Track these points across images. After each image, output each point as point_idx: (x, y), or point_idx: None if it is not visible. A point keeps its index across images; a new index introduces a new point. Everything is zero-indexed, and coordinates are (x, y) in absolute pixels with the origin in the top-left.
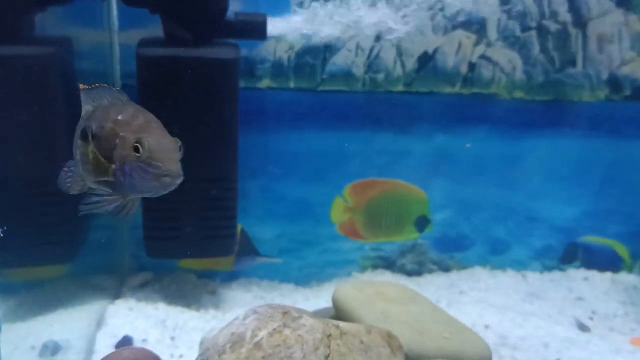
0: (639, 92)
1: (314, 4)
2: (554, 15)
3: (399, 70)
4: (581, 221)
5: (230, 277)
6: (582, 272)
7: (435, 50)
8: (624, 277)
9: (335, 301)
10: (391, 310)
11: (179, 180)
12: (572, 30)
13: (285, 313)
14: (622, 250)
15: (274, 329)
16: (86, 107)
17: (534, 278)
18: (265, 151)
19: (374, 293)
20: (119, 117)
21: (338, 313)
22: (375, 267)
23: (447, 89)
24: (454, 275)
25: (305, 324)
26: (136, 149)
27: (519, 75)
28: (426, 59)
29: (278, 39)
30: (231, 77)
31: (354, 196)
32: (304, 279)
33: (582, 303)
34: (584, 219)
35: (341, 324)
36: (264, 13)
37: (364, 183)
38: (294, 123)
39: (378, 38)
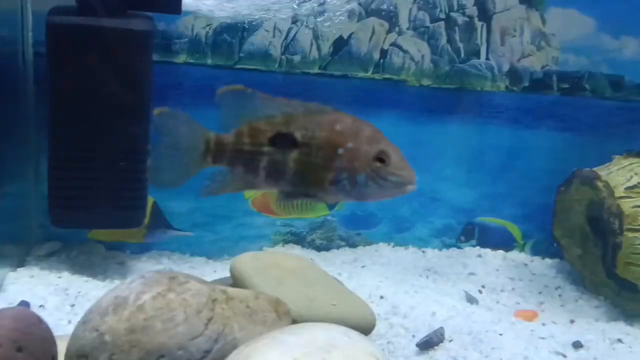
0: (537, 84)
1: None
2: (461, 8)
3: (314, 53)
4: (479, 203)
5: (141, 249)
6: (477, 250)
7: (350, 36)
8: (515, 255)
9: (232, 269)
10: (286, 279)
11: (416, 187)
12: (478, 23)
13: (172, 278)
14: (515, 231)
15: (159, 293)
16: (265, 113)
17: (433, 254)
18: None
19: (271, 262)
20: (337, 127)
21: (235, 281)
22: (286, 242)
23: (361, 73)
24: (359, 251)
25: (191, 289)
26: (381, 160)
27: (427, 63)
28: (341, 44)
29: (196, 14)
30: (143, 49)
31: None
32: (216, 252)
33: (474, 278)
34: (482, 200)
35: (229, 289)
36: None
37: None
38: (211, 99)
39: (295, 20)
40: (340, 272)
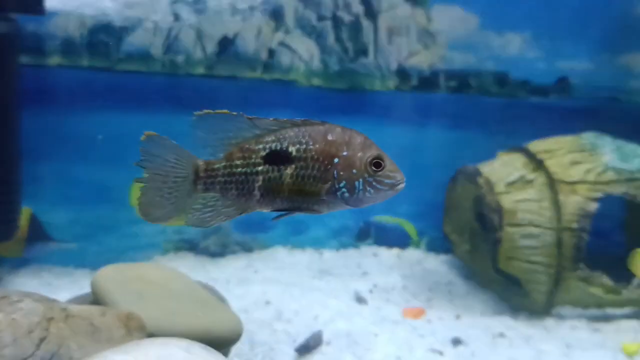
0: (425, 82)
1: None
2: (347, 6)
3: (199, 53)
4: None
5: (20, 263)
6: (373, 249)
7: (236, 35)
8: (410, 252)
9: (92, 284)
10: (148, 291)
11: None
12: (364, 22)
13: (2, 297)
14: (410, 228)
15: None
16: (250, 134)
17: (330, 255)
18: (58, 132)
19: (134, 275)
20: (330, 138)
21: (94, 296)
22: (177, 249)
23: (249, 74)
24: (255, 255)
25: (23, 308)
26: (377, 165)
27: (316, 63)
28: (227, 43)
29: (68, 14)
30: (4, 53)
31: None
32: (102, 264)
33: (367, 277)
34: None
35: (72, 307)
36: None
37: None
38: (89, 103)
39: (177, 18)
40: (230, 279)
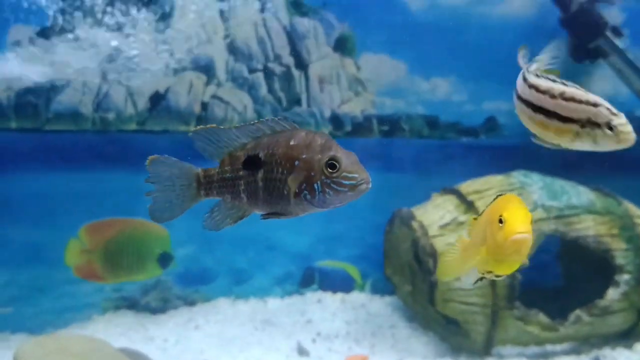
0: (359, 127)
1: (34, 43)
2: (278, 58)
3: (130, 110)
4: (316, 247)
5: None
6: (318, 295)
7: (167, 90)
8: (354, 296)
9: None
10: None
11: (370, 185)
12: (296, 72)
13: None
14: (354, 271)
15: None
16: (241, 141)
17: (274, 303)
18: None
19: (55, 348)
20: (292, 142)
21: None
22: (117, 307)
23: (182, 127)
24: (197, 309)
25: None
26: (332, 166)
27: (250, 113)
28: (158, 98)
29: None
30: None
31: (91, 237)
32: (39, 326)
33: (310, 325)
34: (318, 244)
35: None
36: None
37: (101, 223)
38: (18, 165)
39: (105, 77)
40: (169, 338)
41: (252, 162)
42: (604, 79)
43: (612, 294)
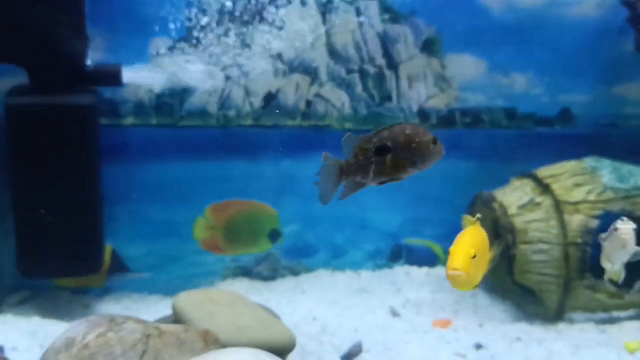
0: (443, 120)
1: (172, 54)
2: (372, 60)
3: (247, 108)
4: (404, 227)
5: (104, 292)
6: (405, 269)
7: (278, 91)
8: (438, 270)
9: (173, 307)
10: (218, 312)
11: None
12: (387, 72)
13: (111, 320)
14: (438, 249)
15: (100, 333)
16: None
17: (367, 276)
18: (132, 180)
19: (205, 299)
20: (407, 132)
21: (175, 317)
22: (235, 275)
23: (290, 123)
24: (301, 278)
25: (127, 328)
26: (434, 142)
27: (347, 109)
28: (270, 98)
29: (139, 83)
30: (89, 119)
31: (214, 215)
32: (172, 290)
33: (401, 294)
34: (406, 225)
35: (163, 326)
36: (118, 64)
37: (223, 204)
38: (157, 155)
39: (227, 81)
40: (281, 300)
41: (383, 150)
42: None
43: None
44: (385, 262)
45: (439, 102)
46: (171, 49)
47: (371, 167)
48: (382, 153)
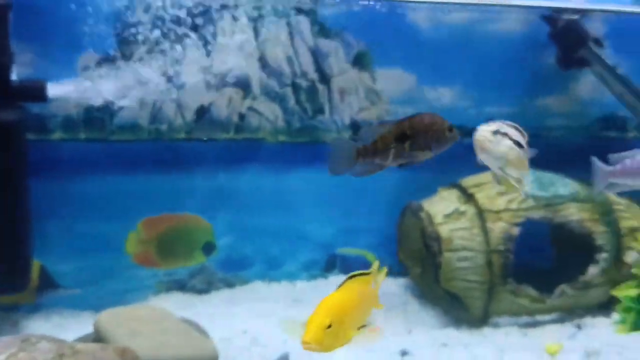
0: None
1: (100, 68)
2: (304, 74)
3: (179, 121)
4: (338, 237)
5: (34, 309)
6: (340, 278)
7: (210, 104)
8: None
9: (94, 326)
10: (140, 329)
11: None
12: (319, 86)
13: (24, 340)
14: (371, 258)
15: (11, 353)
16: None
17: (302, 286)
18: (63, 195)
19: (128, 316)
20: (425, 120)
21: (96, 335)
22: (168, 289)
23: (223, 136)
24: (236, 290)
25: (41, 347)
26: (450, 130)
27: (280, 122)
28: (203, 111)
29: (66, 98)
30: (14, 135)
31: (147, 229)
32: (104, 306)
33: None
34: (340, 235)
35: (78, 345)
36: (43, 79)
37: (155, 218)
38: (88, 169)
39: (160, 93)
40: (214, 313)
41: (402, 136)
42: (590, 84)
43: (593, 270)
44: (320, 272)
45: (370, 115)
46: (100, 63)
47: (390, 151)
48: (401, 140)
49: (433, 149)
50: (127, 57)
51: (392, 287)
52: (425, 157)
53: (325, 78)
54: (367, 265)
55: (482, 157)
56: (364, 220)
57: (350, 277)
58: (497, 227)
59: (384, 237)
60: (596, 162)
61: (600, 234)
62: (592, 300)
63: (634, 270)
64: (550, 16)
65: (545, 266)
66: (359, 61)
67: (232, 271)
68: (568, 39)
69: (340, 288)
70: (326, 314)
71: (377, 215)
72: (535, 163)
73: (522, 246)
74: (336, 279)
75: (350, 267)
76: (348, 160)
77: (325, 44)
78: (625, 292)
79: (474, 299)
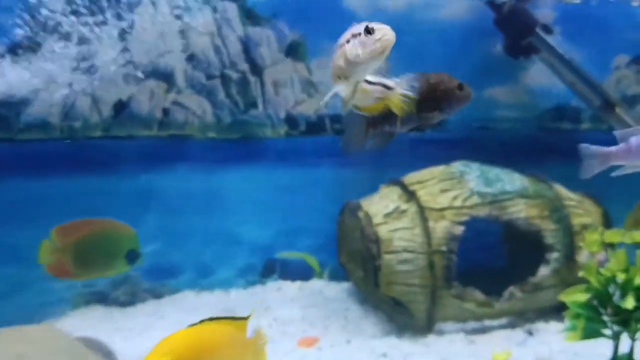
0: (313, 127)
1: (2, 60)
2: (233, 65)
3: (96, 118)
4: (276, 239)
5: None
6: (278, 284)
7: (130, 98)
8: (312, 283)
9: None
10: (28, 352)
11: None
12: (251, 78)
13: None
14: (312, 261)
15: None
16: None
17: (237, 294)
18: None
19: (15, 338)
20: (432, 80)
21: None
22: (88, 302)
23: (145, 132)
24: (164, 301)
25: None
26: (460, 88)
27: (209, 117)
28: (121, 106)
29: None
30: None
31: (61, 237)
32: (17, 321)
33: (269, 312)
34: (279, 237)
35: None
36: None
37: (71, 224)
38: None
39: (71, 89)
40: (134, 327)
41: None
42: (540, 74)
43: (543, 271)
44: (258, 278)
45: (307, 108)
46: (3, 56)
47: (397, 117)
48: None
49: (443, 109)
50: (35, 48)
51: (333, 292)
52: (436, 119)
53: (257, 69)
54: (308, 269)
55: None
56: (304, 220)
57: (213, 319)
58: (440, 227)
59: (326, 238)
60: (588, 147)
61: (550, 231)
62: (543, 303)
63: (581, 274)
64: (495, 2)
65: (497, 267)
66: (294, 51)
67: (160, 280)
68: (514, 26)
69: (195, 326)
70: (165, 352)
71: (318, 215)
72: (484, 157)
73: (472, 246)
74: (275, 284)
75: (291, 271)
76: (361, 134)
77: (256, 32)
78: (573, 297)
79: (417, 304)
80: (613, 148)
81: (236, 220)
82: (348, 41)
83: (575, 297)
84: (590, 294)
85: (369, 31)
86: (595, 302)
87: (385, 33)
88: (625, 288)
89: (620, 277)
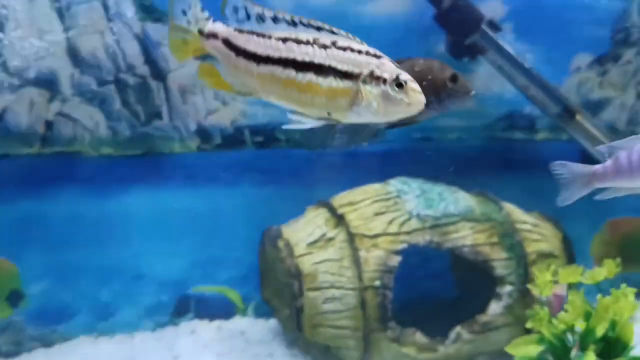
0: (230, 139)
1: None
2: (131, 68)
3: None
4: (191, 272)
5: None
6: (193, 324)
7: (4, 110)
8: (234, 322)
9: None
10: None
11: None
12: (153, 83)
13: None
14: (234, 295)
15: None
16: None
17: (144, 338)
18: None
19: None
20: (417, 69)
21: None
22: None
23: (25, 150)
24: (54, 351)
25: None
26: (453, 79)
27: (103, 130)
28: None
29: None
30: None
31: None
32: None
33: None
34: (194, 269)
35: None
36: None
37: None
38: None
39: None
40: None
41: None
42: (488, 77)
43: (495, 307)
44: (169, 317)
45: (222, 118)
46: None
47: None
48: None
49: (432, 104)
50: None
51: (257, 332)
52: (424, 116)
53: (159, 73)
54: (229, 305)
55: None
56: (222, 249)
57: None
58: (372, 257)
59: (249, 268)
60: (566, 164)
61: (501, 261)
62: (495, 345)
63: (529, 324)
64: None
65: (446, 298)
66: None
67: (49, 326)
68: (457, 23)
69: None
70: None
71: (238, 242)
72: (427, 171)
73: (415, 275)
74: (189, 325)
75: (209, 308)
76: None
77: (157, 30)
78: (523, 349)
79: (348, 350)
80: (599, 166)
81: (140, 250)
82: (364, 80)
83: (526, 350)
84: (543, 346)
85: (400, 84)
86: (549, 357)
87: (419, 98)
88: (585, 340)
89: (580, 326)
